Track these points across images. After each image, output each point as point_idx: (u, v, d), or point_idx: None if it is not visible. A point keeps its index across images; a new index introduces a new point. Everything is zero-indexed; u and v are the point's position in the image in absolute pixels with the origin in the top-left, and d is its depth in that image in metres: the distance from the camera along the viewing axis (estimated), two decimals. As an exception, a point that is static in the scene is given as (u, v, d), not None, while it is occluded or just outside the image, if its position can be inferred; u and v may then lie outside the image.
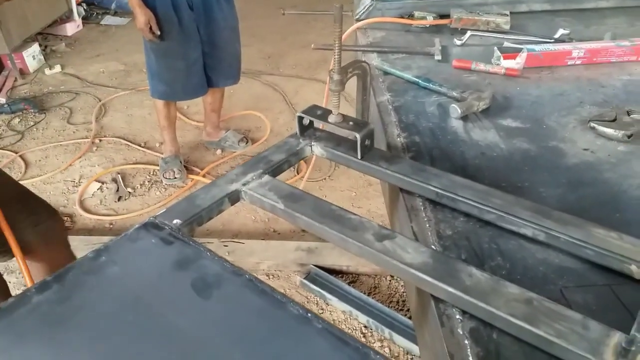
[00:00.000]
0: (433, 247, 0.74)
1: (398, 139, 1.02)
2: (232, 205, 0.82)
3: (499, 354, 0.58)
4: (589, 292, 0.66)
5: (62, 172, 2.97)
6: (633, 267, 0.66)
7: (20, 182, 2.78)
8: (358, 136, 0.85)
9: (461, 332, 0.61)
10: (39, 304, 0.61)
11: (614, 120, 1.00)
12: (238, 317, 0.60)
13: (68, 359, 0.55)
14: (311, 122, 0.96)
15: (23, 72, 4.19)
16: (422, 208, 0.82)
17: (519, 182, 0.87)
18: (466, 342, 0.60)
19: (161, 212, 0.76)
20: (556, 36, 1.43)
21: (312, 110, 0.94)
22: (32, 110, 3.56)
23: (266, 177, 0.85)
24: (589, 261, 0.70)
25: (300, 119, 0.93)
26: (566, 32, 1.43)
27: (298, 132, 0.95)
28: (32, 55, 4.26)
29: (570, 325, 0.57)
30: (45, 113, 3.59)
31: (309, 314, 0.59)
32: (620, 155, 0.94)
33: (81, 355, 0.55)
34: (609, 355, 0.54)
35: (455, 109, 1.06)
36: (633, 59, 1.30)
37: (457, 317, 0.63)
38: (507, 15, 1.51)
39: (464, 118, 1.07)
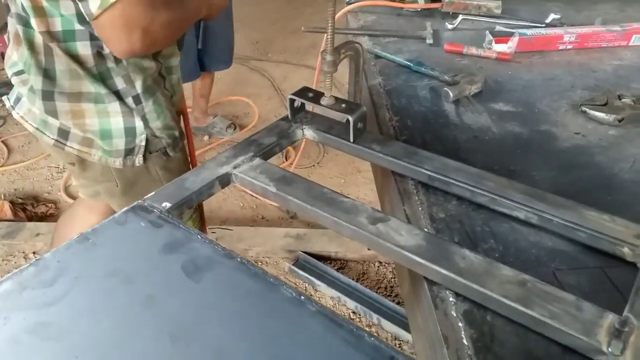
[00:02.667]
0: (426, 230, 0.74)
1: (390, 122, 1.01)
2: (222, 188, 0.80)
3: (493, 336, 0.58)
4: (582, 274, 0.66)
5: (45, 158, 2.91)
6: (625, 250, 0.67)
7: (2, 169, 2.75)
8: (351, 119, 0.84)
9: (455, 315, 0.61)
10: (25, 287, 0.59)
11: (605, 104, 1.00)
12: (230, 300, 0.59)
13: (53, 344, 0.54)
14: (302, 105, 0.94)
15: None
16: (415, 191, 0.82)
17: (511, 166, 0.87)
18: (460, 324, 0.59)
19: (150, 195, 0.75)
20: (547, 21, 1.42)
21: (303, 92, 0.92)
22: (15, 95, 3.49)
23: (257, 160, 0.83)
24: (582, 243, 0.70)
25: (292, 101, 0.92)
26: (557, 16, 1.42)
27: (289, 115, 0.93)
28: (13, 39, 4.16)
29: (564, 306, 0.57)
30: (28, 98, 3.52)
31: (302, 297, 0.58)
32: (612, 139, 0.94)
33: (67, 339, 0.54)
34: (603, 337, 0.54)
35: (448, 93, 1.06)
36: (623, 44, 1.30)
37: (451, 299, 0.62)
38: (499, -1, 1.50)
39: (456, 102, 1.07)
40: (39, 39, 1.01)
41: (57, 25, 0.98)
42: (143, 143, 1.13)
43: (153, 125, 1.13)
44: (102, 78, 1.05)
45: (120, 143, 1.11)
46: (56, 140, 1.12)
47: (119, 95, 1.07)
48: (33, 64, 1.02)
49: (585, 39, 1.29)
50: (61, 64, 1.02)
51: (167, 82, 1.18)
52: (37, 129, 1.13)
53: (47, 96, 1.05)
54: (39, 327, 0.55)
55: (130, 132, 1.11)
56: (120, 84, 1.07)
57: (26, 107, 1.14)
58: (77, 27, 0.99)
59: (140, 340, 0.54)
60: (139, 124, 1.10)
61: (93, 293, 0.59)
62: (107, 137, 1.10)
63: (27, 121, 1.15)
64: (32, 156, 2.91)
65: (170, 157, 1.20)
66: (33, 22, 0.98)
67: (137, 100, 1.09)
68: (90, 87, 1.05)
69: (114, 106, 1.07)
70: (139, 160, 1.15)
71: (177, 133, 1.20)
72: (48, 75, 1.04)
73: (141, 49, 0.93)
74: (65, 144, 1.12)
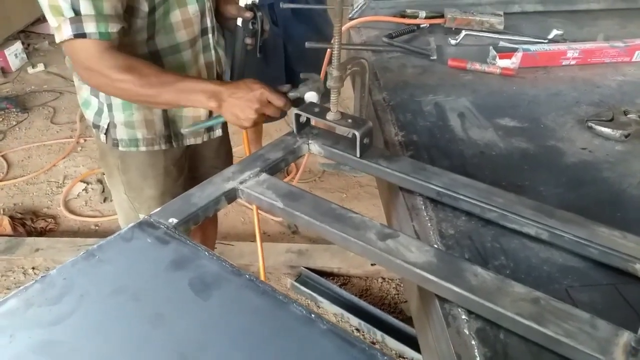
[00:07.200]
0: (436, 246, 0.73)
1: (396, 137, 1.00)
2: (229, 203, 0.80)
3: (506, 354, 0.57)
4: (594, 291, 0.65)
5: (45, 172, 2.90)
6: (637, 266, 0.66)
7: (2, 183, 2.74)
8: (357, 134, 0.84)
9: (467, 333, 0.60)
10: (30, 304, 0.58)
11: (611, 120, 1.00)
12: (239, 318, 0.58)
13: (61, 363, 0.53)
14: (308, 120, 0.94)
15: (5, 71, 4.10)
16: (423, 207, 0.81)
17: (519, 181, 0.87)
18: (473, 342, 0.58)
19: (156, 210, 0.74)
20: (550, 37, 1.43)
21: (309, 107, 0.92)
22: (15, 110, 3.48)
23: (264, 175, 0.83)
24: (593, 260, 0.69)
25: (298, 116, 0.91)
26: (560, 32, 1.43)
27: (295, 130, 0.93)
28: (14, 54, 4.17)
29: (579, 324, 0.56)
30: (28, 112, 3.51)
31: (312, 315, 0.57)
32: (618, 155, 0.94)
33: (74, 358, 0.53)
34: (619, 355, 0.53)
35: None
36: (627, 60, 1.30)
37: (463, 317, 0.62)
38: (501, 15, 1.51)
39: (461, 117, 1.07)
40: None
41: None
42: (106, 125, 1.22)
43: (117, 117, 1.19)
44: None
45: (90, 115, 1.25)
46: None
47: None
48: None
49: (588, 55, 1.29)
50: None
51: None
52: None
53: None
54: (45, 346, 0.54)
55: (98, 112, 1.23)
56: None
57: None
58: None
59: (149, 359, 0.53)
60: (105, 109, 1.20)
61: (100, 311, 0.58)
62: (85, 107, 1.26)
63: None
64: (32, 170, 2.90)
65: (124, 152, 1.25)
66: None
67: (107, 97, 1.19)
68: None
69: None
70: (103, 137, 1.25)
71: (139, 135, 1.22)
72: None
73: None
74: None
